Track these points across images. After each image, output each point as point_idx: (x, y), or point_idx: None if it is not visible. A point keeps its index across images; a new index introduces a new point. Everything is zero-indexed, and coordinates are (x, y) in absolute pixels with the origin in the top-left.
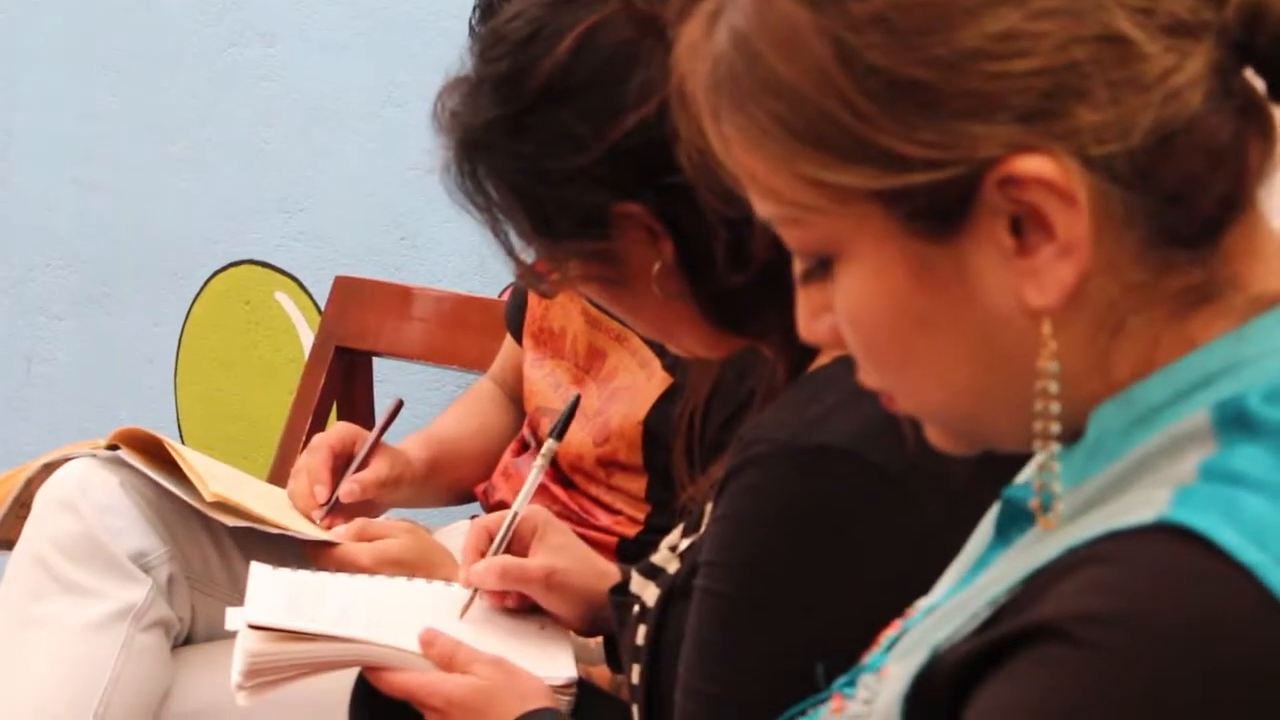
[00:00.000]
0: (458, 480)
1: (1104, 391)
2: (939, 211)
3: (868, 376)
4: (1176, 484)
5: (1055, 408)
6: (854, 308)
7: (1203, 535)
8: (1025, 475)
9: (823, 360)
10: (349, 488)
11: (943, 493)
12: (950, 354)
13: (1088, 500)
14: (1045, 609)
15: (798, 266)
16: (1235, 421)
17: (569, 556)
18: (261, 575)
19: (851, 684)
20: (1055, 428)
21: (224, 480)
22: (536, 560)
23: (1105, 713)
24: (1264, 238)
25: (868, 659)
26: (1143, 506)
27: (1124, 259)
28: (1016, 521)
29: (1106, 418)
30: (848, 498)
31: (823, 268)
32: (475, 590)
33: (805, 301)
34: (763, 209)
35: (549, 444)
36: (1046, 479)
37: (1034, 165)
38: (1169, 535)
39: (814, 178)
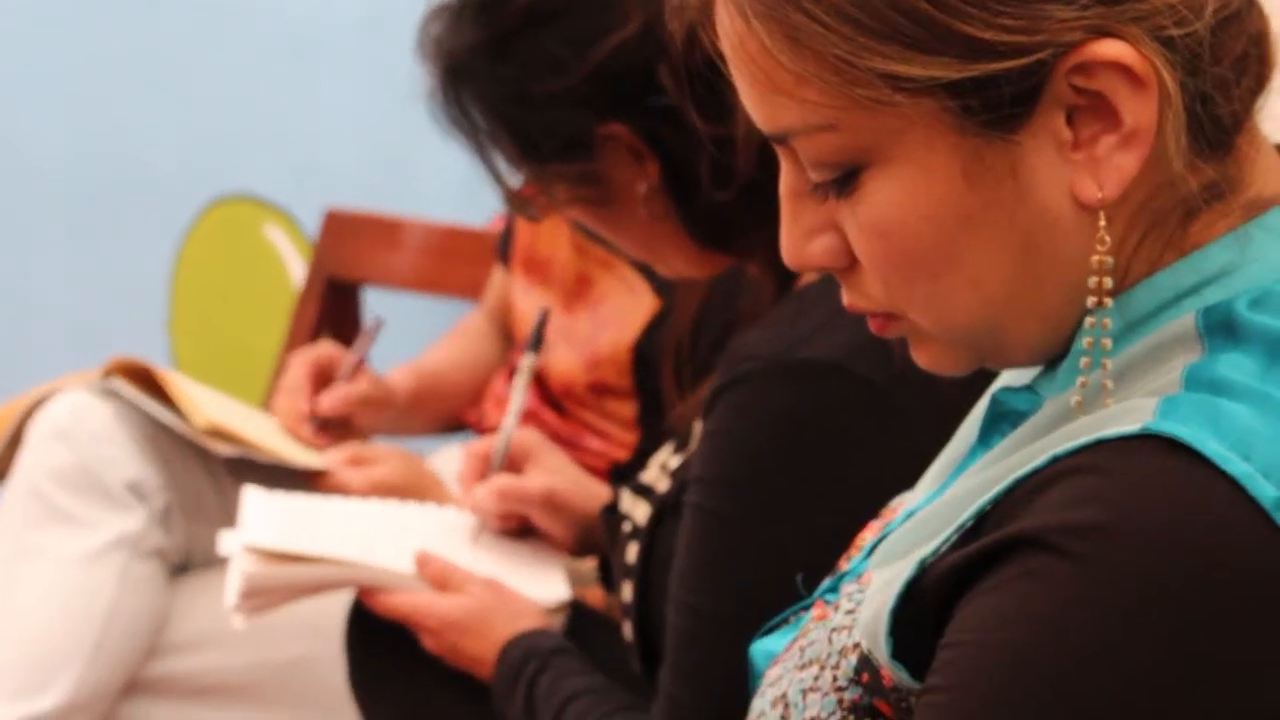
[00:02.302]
0: (444, 410)
1: (1116, 294)
2: (1008, 102)
3: (870, 294)
4: (1162, 392)
5: (1109, 302)
6: (892, 214)
7: (1188, 446)
8: (1005, 380)
9: (810, 278)
10: (329, 401)
11: (930, 406)
12: (990, 257)
13: (1070, 407)
14: (1030, 520)
15: (799, 184)
16: (1221, 326)
17: (564, 478)
18: (255, 498)
19: (834, 590)
20: (1109, 322)
21: (216, 408)
22: (535, 480)
23: (1090, 624)
24: (1260, 140)
25: (848, 564)
26: (1128, 416)
27: (1170, 152)
28: (999, 425)
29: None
30: (835, 412)
31: (839, 183)
32: (480, 516)
33: (797, 223)
34: (788, 119)
35: (526, 358)
36: (1096, 373)
37: (1113, 49)
38: (1154, 445)
39: (884, 72)
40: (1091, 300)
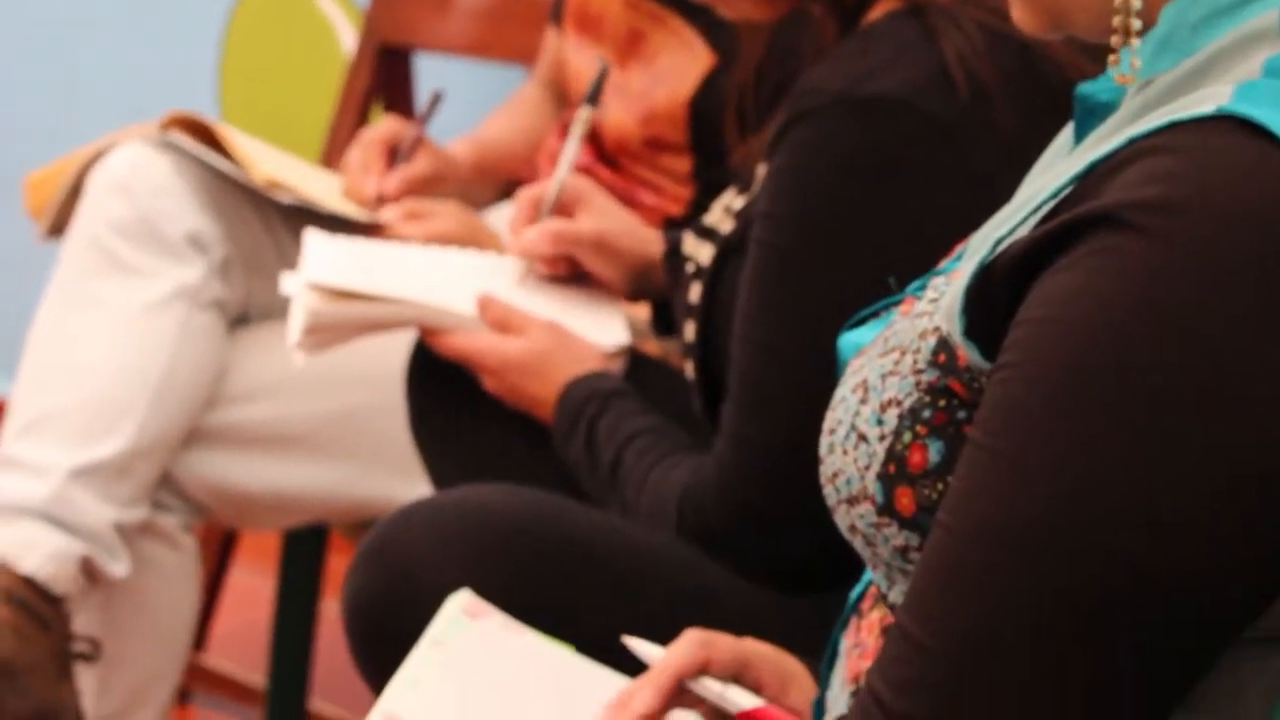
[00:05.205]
0: (505, 180)
1: None
2: None
3: None
4: (1242, 80)
5: None
6: None
7: (1261, 126)
8: None
9: (874, 15)
10: (393, 183)
11: (994, 140)
12: None
13: (1155, 96)
14: (1105, 198)
15: None
16: None
17: (615, 221)
18: (317, 240)
19: (923, 287)
20: (1137, 2)
21: (273, 162)
22: (586, 223)
23: (1159, 297)
24: None
25: (943, 264)
26: (1206, 100)
27: None
28: (1089, 122)
29: (1179, 11)
30: (900, 146)
31: None
32: (528, 259)
33: None
34: None
35: (583, 110)
36: (1125, 54)
37: None
38: (1228, 126)
39: None
40: None
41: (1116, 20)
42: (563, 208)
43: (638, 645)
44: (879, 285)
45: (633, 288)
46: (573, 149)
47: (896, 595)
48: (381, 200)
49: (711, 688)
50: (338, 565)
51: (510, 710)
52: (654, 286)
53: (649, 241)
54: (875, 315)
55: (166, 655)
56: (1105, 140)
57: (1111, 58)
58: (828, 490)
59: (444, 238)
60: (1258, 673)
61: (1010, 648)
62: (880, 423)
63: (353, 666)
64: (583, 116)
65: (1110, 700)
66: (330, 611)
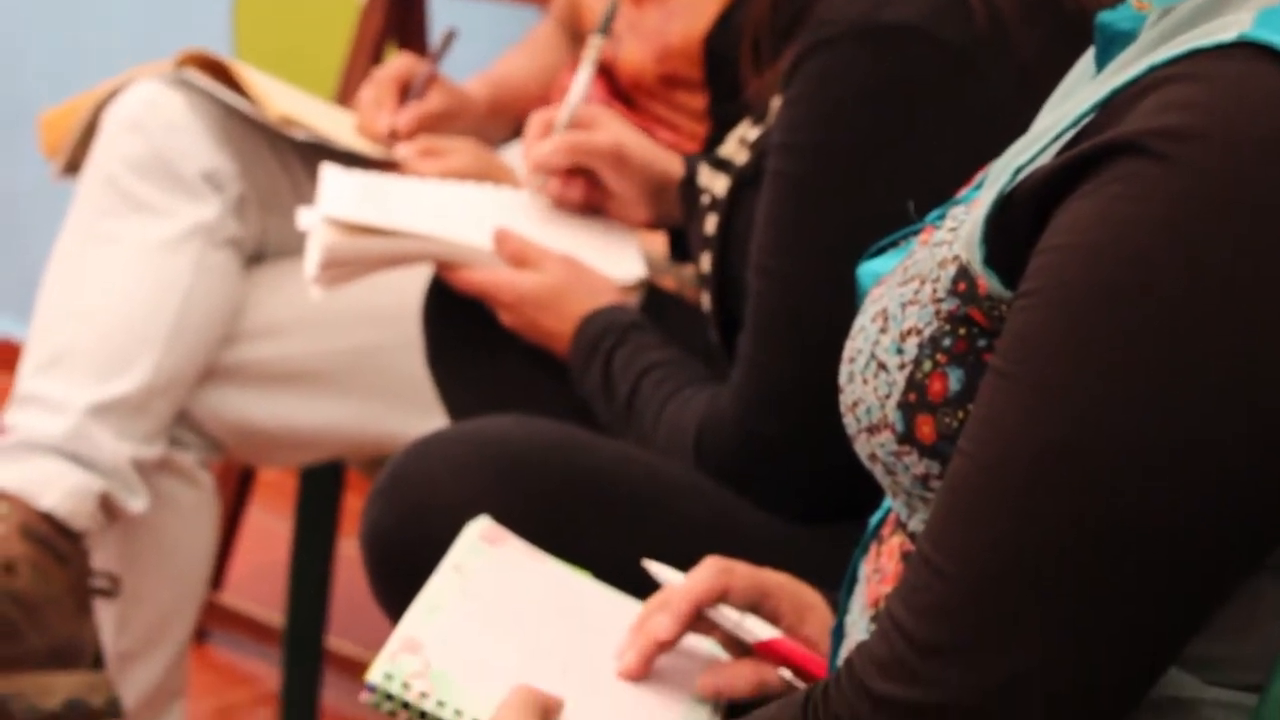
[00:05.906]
0: (520, 117)
1: None
2: None
3: None
4: (1261, 6)
5: None
6: None
7: None
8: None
9: None
10: (406, 119)
11: (1010, 67)
12: None
13: (1175, 24)
14: (1126, 126)
15: None
16: None
17: (631, 137)
18: (334, 175)
19: (943, 216)
20: None
21: (288, 99)
22: (603, 135)
23: (1183, 223)
24: None
25: (961, 193)
26: (1227, 27)
27: None
28: (1110, 50)
29: None
30: (917, 75)
31: None
32: (544, 175)
33: None
34: None
35: (594, 39)
36: None
37: None
38: (1249, 52)
39: None
40: None
41: None
42: (578, 127)
43: (658, 570)
44: (897, 214)
45: (650, 205)
46: (584, 76)
47: (917, 524)
48: (395, 136)
49: (729, 616)
50: (354, 504)
51: (529, 634)
52: (671, 207)
53: (665, 161)
54: (894, 244)
55: (185, 591)
56: (1126, 68)
57: None
58: (848, 419)
59: (459, 174)
60: (1278, 600)
61: (1031, 572)
62: (900, 351)
63: (371, 605)
64: (595, 44)
65: (1129, 624)
66: (347, 551)
